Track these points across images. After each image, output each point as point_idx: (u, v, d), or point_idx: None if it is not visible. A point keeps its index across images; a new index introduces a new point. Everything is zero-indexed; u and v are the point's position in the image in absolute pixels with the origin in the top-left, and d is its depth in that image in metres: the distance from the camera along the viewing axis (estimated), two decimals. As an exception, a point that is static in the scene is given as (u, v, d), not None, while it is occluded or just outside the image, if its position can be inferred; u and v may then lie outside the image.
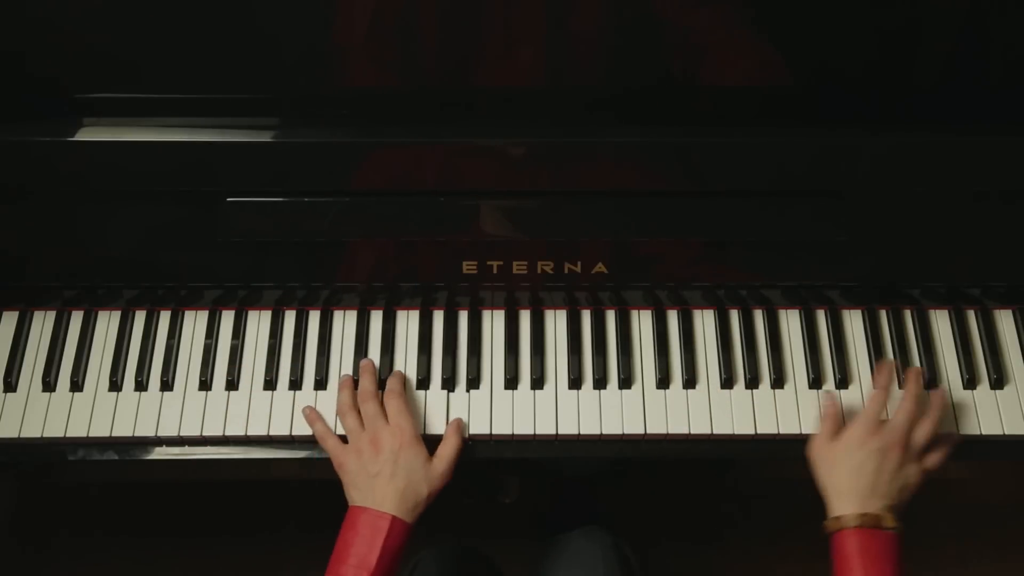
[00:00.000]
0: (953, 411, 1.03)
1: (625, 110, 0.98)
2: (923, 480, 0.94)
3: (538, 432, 1.02)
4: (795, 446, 1.01)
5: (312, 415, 1.01)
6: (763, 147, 0.96)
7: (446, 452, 0.97)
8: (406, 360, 1.05)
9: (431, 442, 0.99)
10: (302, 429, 1.02)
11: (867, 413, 0.95)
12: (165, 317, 1.07)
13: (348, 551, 0.90)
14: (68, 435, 1.01)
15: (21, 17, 0.91)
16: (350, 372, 1.04)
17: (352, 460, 0.95)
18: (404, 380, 1.03)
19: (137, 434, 1.02)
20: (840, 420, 0.97)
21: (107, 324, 1.07)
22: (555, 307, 1.08)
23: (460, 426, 1.01)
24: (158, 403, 1.03)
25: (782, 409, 1.03)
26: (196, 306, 1.08)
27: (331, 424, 1.01)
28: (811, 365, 1.05)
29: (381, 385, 1.03)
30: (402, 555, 0.92)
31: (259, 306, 1.08)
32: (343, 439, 0.99)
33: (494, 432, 1.02)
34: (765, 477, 1.71)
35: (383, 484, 0.93)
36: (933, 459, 0.96)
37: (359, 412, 0.99)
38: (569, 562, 1.08)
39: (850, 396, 1.03)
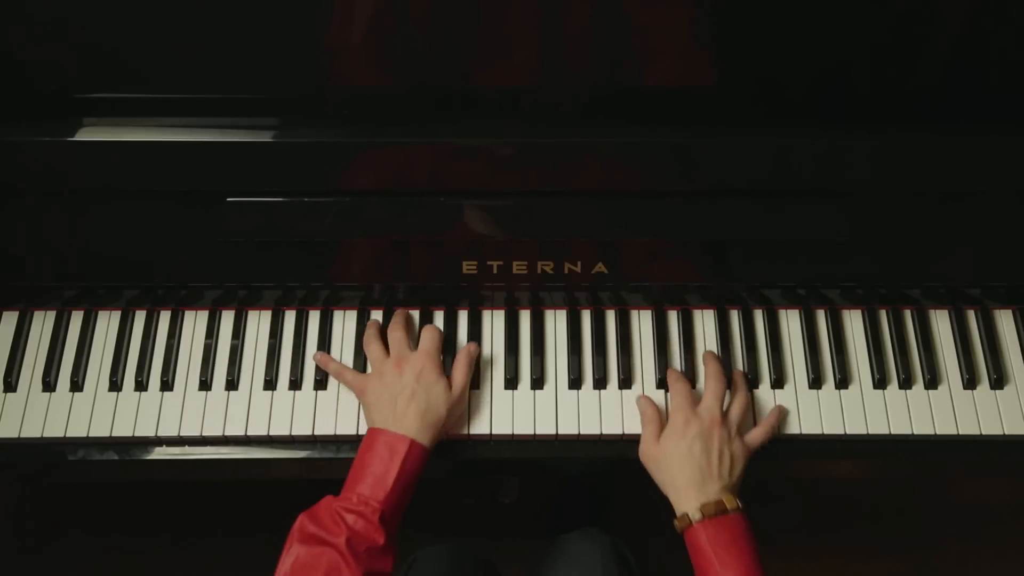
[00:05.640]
0: (954, 411, 1.03)
1: (625, 110, 0.98)
2: (749, 455, 0.96)
3: (538, 432, 1.02)
4: (795, 446, 1.01)
5: (324, 358, 1.03)
6: (763, 147, 0.96)
7: (460, 379, 0.99)
8: (406, 360, 1.05)
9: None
10: (302, 429, 1.02)
11: (677, 404, 0.97)
12: (165, 317, 1.07)
13: (365, 471, 0.90)
14: (68, 435, 1.01)
15: (21, 17, 0.90)
16: (350, 372, 1.04)
17: (374, 383, 0.97)
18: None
19: (137, 434, 1.02)
20: (660, 420, 0.98)
21: (107, 324, 1.07)
22: (555, 307, 1.08)
23: (472, 352, 1.02)
24: (158, 403, 1.03)
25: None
26: (196, 306, 1.08)
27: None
28: (811, 365, 1.05)
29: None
30: (418, 479, 0.93)
31: (259, 306, 1.08)
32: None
33: (494, 432, 1.01)
34: (764, 477, 1.71)
35: (404, 402, 0.94)
36: (757, 434, 0.97)
37: (384, 343, 1.01)
38: (568, 563, 1.08)
39: (849, 395, 1.04)
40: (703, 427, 0.94)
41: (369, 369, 1.03)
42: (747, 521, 0.90)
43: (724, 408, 0.98)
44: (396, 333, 1.02)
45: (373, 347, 1.01)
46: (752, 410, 1.02)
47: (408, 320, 1.05)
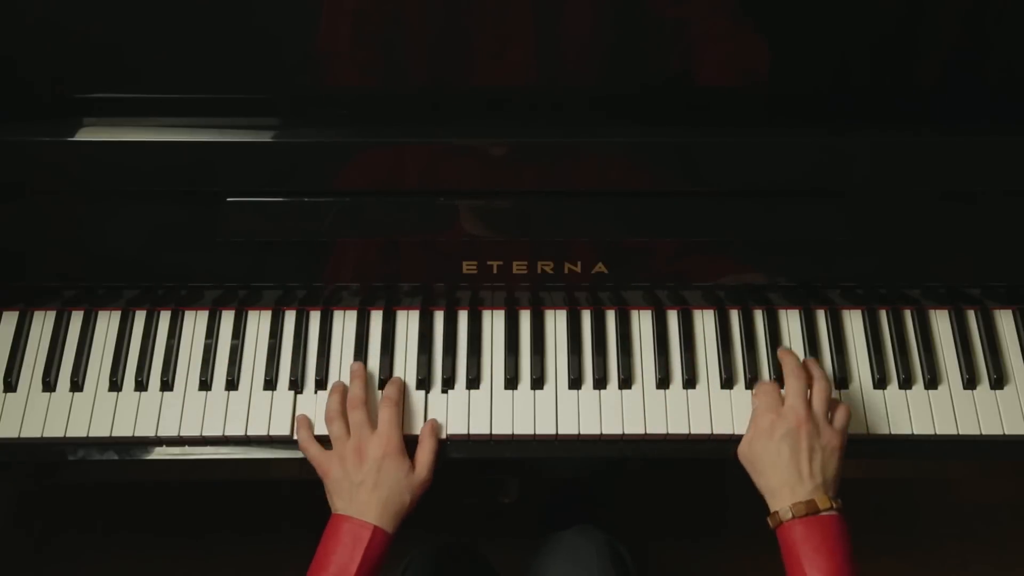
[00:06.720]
0: (954, 411, 1.03)
1: (626, 110, 0.98)
2: (843, 442, 0.93)
3: (538, 432, 1.02)
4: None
5: (301, 421, 1.01)
6: (764, 147, 0.96)
7: (424, 458, 0.97)
8: (406, 360, 1.05)
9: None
10: (302, 429, 1.02)
11: (765, 405, 0.95)
12: (165, 317, 1.08)
13: (329, 559, 0.89)
14: (68, 435, 1.01)
15: (21, 17, 0.91)
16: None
17: (335, 467, 0.95)
18: (403, 389, 1.02)
19: (137, 434, 1.02)
20: None
21: (107, 324, 1.07)
22: (555, 307, 1.08)
23: (435, 428, 1.00)
24: (158, 403, 1.03)
25: (782, 409, 1.03)
26: (196, 306, 1.08)
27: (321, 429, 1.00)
28: (811, 365, 1.05)
29: (381, 385, 1.03)
30: (383, 564, 0.91)
31: (259, 306, 1.08)
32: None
33: (494, 432, 1.02)
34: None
35: (366, 493, 0.92)
36: (840, 417, 0.95)
37: (346, 419, 0.98)
38: (563, 558, 1.08)
39: (849, 396, 1.04)
40: (789, 427, 0.92)
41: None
42: (843, 522, 0.89)
43: (810, 401, 0.95)
44: (356, 413, 0.98)
45: (335, 426, 0.98)
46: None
47: (368, 390, 1.01)
